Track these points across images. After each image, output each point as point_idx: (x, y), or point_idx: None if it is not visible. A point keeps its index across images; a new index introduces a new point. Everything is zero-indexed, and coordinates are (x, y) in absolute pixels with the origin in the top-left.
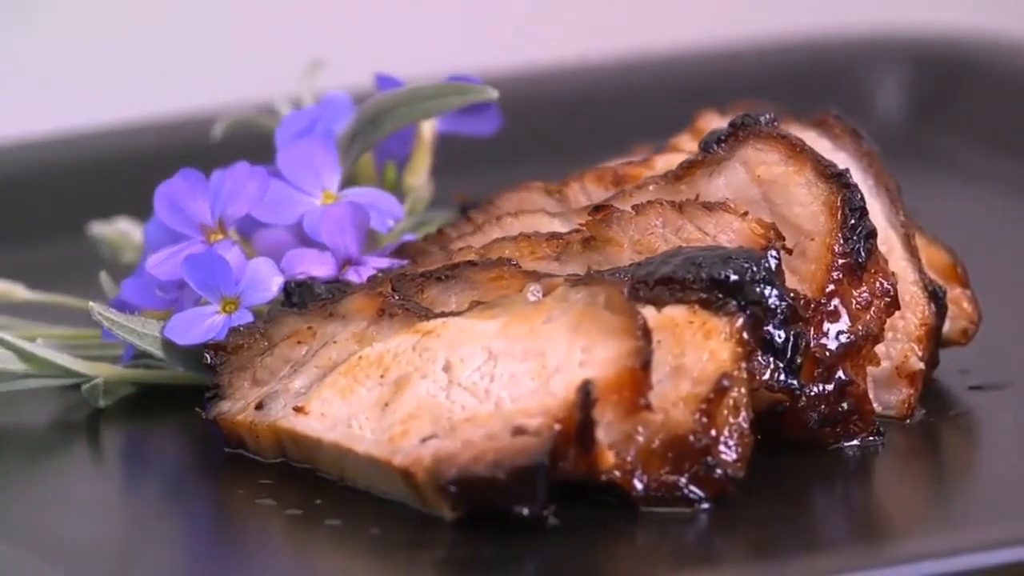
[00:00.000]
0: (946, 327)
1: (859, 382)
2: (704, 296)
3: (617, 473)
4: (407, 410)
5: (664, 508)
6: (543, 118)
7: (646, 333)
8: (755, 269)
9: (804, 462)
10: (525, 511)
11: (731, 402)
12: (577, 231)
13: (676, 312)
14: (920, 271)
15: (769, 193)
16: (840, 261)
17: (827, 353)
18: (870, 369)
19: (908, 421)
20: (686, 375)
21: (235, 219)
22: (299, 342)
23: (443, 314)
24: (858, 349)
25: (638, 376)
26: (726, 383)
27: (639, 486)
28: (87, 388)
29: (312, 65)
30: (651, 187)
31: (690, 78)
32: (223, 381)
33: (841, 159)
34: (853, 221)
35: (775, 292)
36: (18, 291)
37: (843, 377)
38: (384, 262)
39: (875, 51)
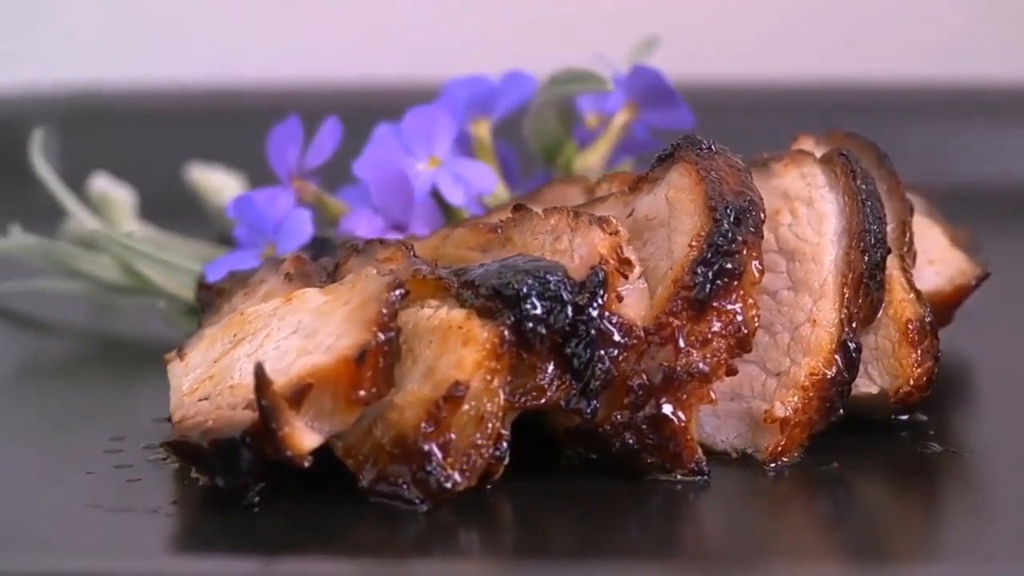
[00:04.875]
0: (887, 384)
1: (677, 416)
2: (488, 304)
3: (349, 462)
4: (214, 370)
5: (389, 502)
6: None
7: (383, 328)
8: (543, 286)
9: (607, 484)
10: (220, 482)
11: (473, 412)
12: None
13: (456, 315)
14: (846, 322)
15: (671, 216)
16: (682, 294)
17: (642, 382)
18: (748, 407)
19: (771, 465)
20: (432, 378)
21: (311, 168)
22: (246, 293)
23: (316, 284)
24: (680, 384)
25: (351, 368)
26: (459, 392)
27: (362, 478)
28: (160, 309)
29: (646, 42)
30: (616, 195)
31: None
32: (201, 321)
33: (831, 198)
34: (708, 256)
35: (558, 311)
36: None
37: (660, 409)
38: (425, 231)
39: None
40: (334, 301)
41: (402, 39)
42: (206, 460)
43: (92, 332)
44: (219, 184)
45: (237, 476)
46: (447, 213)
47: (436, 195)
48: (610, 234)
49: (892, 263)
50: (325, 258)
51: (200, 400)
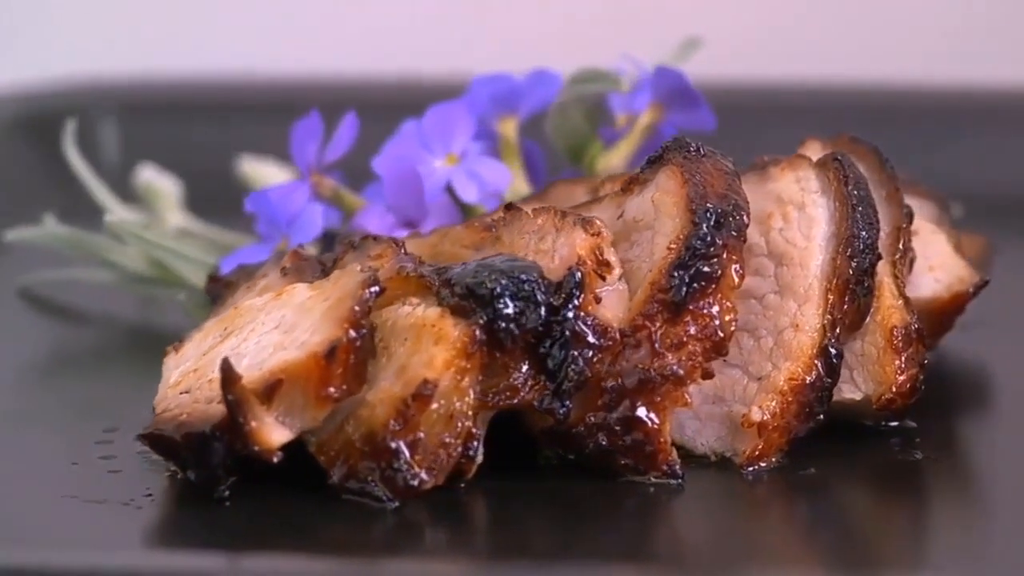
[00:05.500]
0: (871, 390)
1: (651, 419)
2: (461, 303)
3: (321, 458)
4: (200, 363)
5: (360, 500)
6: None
7: (354, 326)
8: (517, 286)
9: (585, 485)
10: (192, 476)
11: (442, 411)
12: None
13: (430, 314)
14: (829, 327)
15: (655, 219)
16: (658, 296)
17: (616, 384)
18: (729, 411)
19: (748, 469)
20: (403, 376)
21: (328, 163)
22: (248, 287)
23: (309, 279)
24: (654, 386)
25: (321, 364)
26: (427, 390)
27: (333, 475)
28: (181, 300)
29: (687, 43)
30: (611, 196)
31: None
32: (210, 314)
33: (822, 203)
34: (686, 260)
35: (530, 311)
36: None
37: (633, 411)
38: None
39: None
40: (317, 297)
41: (454, 32)
42: (179, 453)
43: (119, 322)
44: (269, 176)
45: (208, 470)
46: (465, 211)
47: (454, 193)
48: (592, 235)
49: (883, 269)
50: (328, 253)
51: (182, 393)
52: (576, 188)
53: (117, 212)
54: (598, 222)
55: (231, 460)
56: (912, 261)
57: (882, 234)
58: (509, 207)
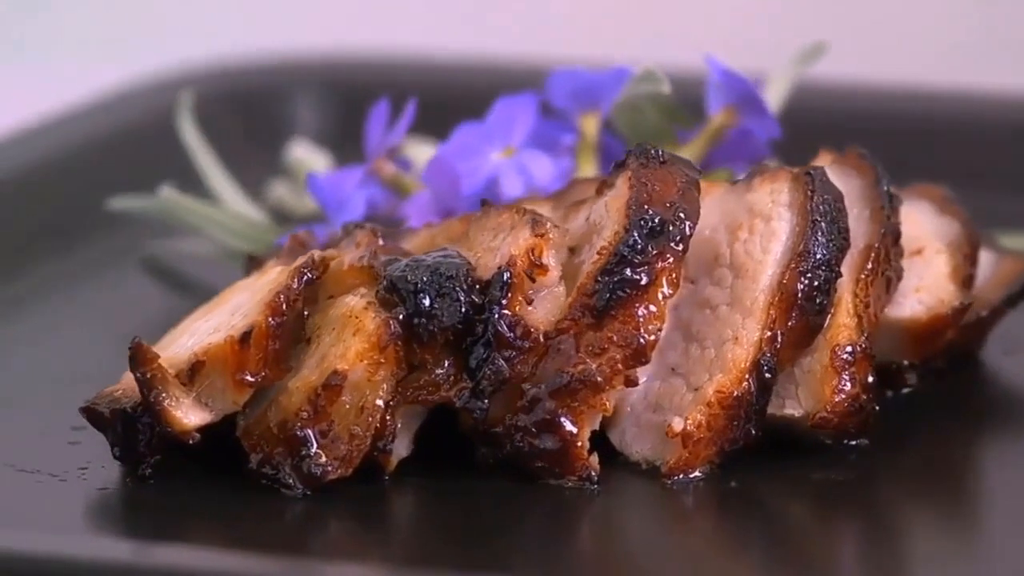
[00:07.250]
0: (810, 408)
1: (568, 423)
2: (386, 296)
3: (245, 443)
4: (167, 341)
5: (272, 485)
6: None
7: (275, 313)
8: (439, 282)
9: (515, 486)
10: (117, 452)
11: (354, 402)
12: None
13: (357, 305)
14: (766, 342)
15: (607, 223)
16: (583, 301)
17: (534, 387)
18: (663, 419)
19: (672, 479)
20: (321, 365)
21: (388, 147)
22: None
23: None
24: (572, 391)
25: (235, 349)
26: (335, 380)
27: (252, 459)
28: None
29: (813, 48)
30: (591, 197)
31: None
32: None
33: (787, 217)
34: (612, 266)
35: (448, 308)
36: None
37: (551, 415)
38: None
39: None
40: (274, 280)
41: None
42: (109, 429)
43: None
44: (425, 156)
45: (131, 448)
46: None
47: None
48: (536, 236)
49: (846, 287)
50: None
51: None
52: (591, 187)
53: (227, 192)
54: (548, 223)
55: (157, 440)
56: (891, 281)
57: (853, 251)
58: (483, 203)
